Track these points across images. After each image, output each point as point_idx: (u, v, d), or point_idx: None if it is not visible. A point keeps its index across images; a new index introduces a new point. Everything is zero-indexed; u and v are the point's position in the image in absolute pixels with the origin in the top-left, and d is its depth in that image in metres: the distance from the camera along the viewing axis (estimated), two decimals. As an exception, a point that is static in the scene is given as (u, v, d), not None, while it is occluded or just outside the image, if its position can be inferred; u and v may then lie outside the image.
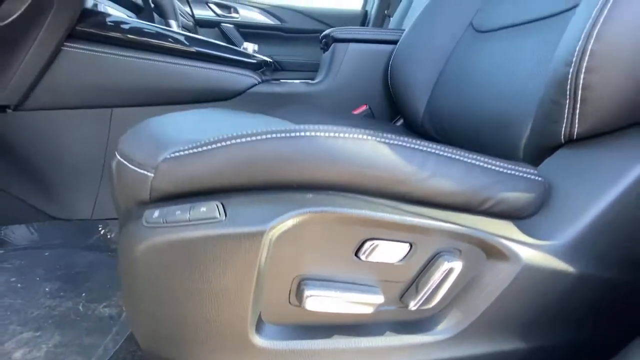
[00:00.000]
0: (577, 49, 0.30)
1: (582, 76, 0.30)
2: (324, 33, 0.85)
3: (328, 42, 0.83)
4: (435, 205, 0.28)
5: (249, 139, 0.27)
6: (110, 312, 0.59)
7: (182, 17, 1.39)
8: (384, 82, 0.80)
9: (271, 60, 0.84)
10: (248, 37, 1.56)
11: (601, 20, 0.30)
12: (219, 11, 1.51)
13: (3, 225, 0.77)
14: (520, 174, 0.30)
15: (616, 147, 0.31)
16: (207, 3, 1.49)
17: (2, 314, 0.56)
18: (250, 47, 0.85)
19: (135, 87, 0.72)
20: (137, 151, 0.30)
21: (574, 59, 0.31)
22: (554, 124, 0.33)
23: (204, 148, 0.27)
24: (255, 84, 0.79)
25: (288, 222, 0.25)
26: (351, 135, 0.27)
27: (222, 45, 0.77)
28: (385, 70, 0.80)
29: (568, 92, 0.31)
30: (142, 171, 0.28)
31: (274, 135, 0.27)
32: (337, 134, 0.27)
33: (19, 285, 0.64)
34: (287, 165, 0.27)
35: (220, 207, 0.25)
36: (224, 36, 1.53)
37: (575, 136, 0.32)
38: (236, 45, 1.55)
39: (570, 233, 0.29)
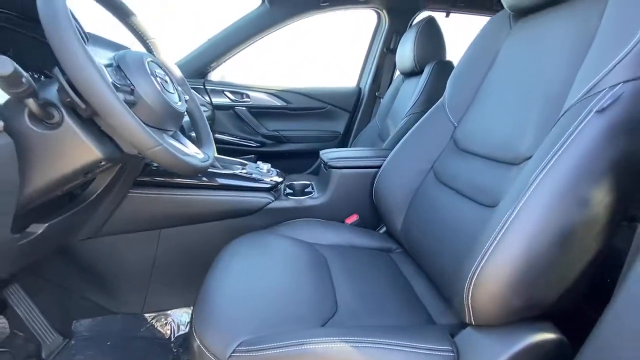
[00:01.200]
0: (472, 270, 0.51)
1: (470, 292, 0.50)
2: (322, 157, 1.07)
3: (325, 167, 1.06)
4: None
5: (279, 350, 0.47)
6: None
7: (204, 108, 1.63)
8: (370, 197, 1.01)
9: (282, 180, 1.05)
10: (258, 116, 1.80)
11: (490, 250, 0.50)
12: (232, 97, 1.75)
13: (74, 318, 0.98)
14: (439, 353, 0.51)
15: (501, 333, 0.51)
16: (223, 91, 1.73)
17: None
18: (265, 167, 1.07)
19: (179, 214, 0.94)
20: (212, 341, 0.51)
21: (470, 273, 0.51)
22: (462, 309, 0.53)
23: (256, 354, 0.48)
24: (270, 202, 1.00)
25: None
26: (337, 345, 0.48)
27: (243, 176, 0.99)
28: (371, 188, 1.01)
29: (464, 300, 0.51)
30: (216, 361, 0.49)
31: (296, 348, 0.47)
32: (330, 345, 0.48)
33: (95, 377, 0.84)
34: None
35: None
36: (238, 117, 1.77)
37: (474, 323, 0.52)
38: (249, 124, 1.78)
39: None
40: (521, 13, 0.75)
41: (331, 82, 2.02)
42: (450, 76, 0.91)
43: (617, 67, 0.46)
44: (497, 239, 0.49)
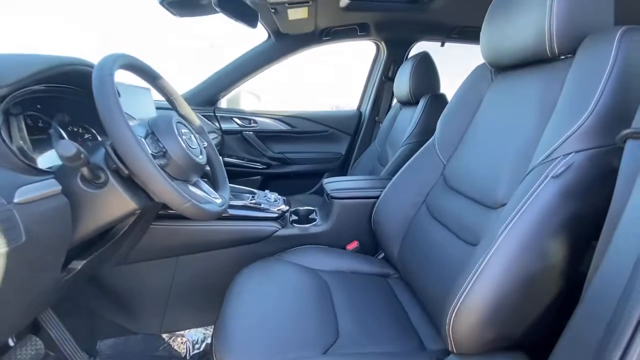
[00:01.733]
0: (453, 304, 0.59)
1: (451, 324, 0.59)
2: (325, 187, 1.16)
3: (328, 197, 1.15)
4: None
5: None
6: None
7: (214, 134, 1.74)
8: (370, 226, 1.10)
9: (287, 208, 1.15)
10: (265, 140, 1.90)
11: (468, 288, 0.58)
12: (240, 122, 1.86)
13: (98, 339, 1.07)
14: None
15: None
16: (232, 118, 1.84)
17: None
18: (273, 196, 1.16)
19: (194, 243, 1.03)
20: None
21: (451, 306, 0.59)
22: (446, 338, 0.62)
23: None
24: (277, 230, 1.09)
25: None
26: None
27: (252, 207, 1.08)
28: (370, 217, 1.10)
29: (447, 330, 0.60)
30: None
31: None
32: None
33: (120, 394, 0.93)
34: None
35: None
36: (246, 141, 1.88)
37: (455, 352, 0.60)
38: (256, 147, 1.88)
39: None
40: (500, 68, 0.84)
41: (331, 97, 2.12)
42: (440, 117, 1.00)
43: (571, 138, 0.55)
44: (474, 278, 0.57)
